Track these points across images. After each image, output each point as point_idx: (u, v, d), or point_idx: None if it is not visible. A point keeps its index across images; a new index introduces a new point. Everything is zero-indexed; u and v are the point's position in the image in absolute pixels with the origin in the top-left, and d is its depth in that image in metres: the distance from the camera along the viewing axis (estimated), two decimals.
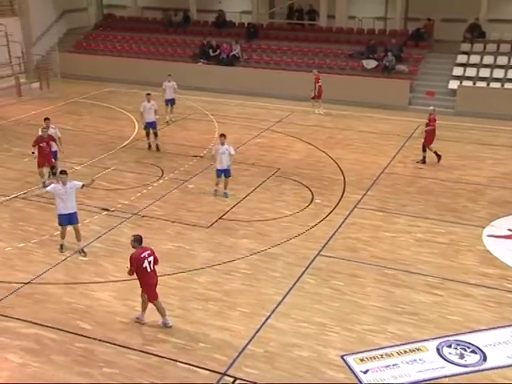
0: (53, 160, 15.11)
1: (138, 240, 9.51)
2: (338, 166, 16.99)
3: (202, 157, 17.48)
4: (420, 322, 9.86)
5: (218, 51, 26.23)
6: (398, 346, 9.20)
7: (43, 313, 10.04)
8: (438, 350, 9.10)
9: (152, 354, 9.05)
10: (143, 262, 9.36)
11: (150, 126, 17.81)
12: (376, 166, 16.91)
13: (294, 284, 10.98)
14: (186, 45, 27.56)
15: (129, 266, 9.39)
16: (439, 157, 17.10)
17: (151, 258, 9.45)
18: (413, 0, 26.41)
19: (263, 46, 26.58)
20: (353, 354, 9.03)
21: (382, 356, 8.94)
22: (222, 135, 14.62)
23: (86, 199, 14.40)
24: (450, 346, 9.17)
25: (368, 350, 9.10)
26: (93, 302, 10.38)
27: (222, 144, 14.49)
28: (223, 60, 25.93)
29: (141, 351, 9.11)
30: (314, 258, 11.93)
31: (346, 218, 13.67)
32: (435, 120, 17.04)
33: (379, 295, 10.62)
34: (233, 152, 14.67)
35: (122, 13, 30.67)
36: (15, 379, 8.52)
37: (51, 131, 15.16)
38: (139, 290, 10.64)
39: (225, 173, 14.68)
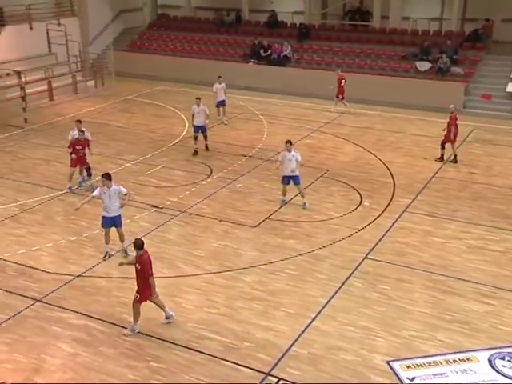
0: (87, 161, 15.26)
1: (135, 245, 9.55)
2: (388, 168, 16.73)
3: (250, 156, 17.54)
4: (471, 331, 9.60)
5: (269, 51, 26.27)
6: (446, 354, 8.98)
7: (93, 305, 10.31)
8: (489, 361, 8.81)
9: (197, 351, 9.15)
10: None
11: (198, 130, 17.89)
12: (427, 170, 16.57)
13: (340, 287, 10.88)
14: (238, 45, 27.73)
15: (141, 267, 9.39)
16: (455, 158, 17.12)
17: (138, 266, 9.52)
18: (471, 0, 25.74)
19: (314, 47, 26.46)
20: (399, 360, 8.88)
21: (429, 364, 8.75)
22: (289, 142, 14.04)
23: (135, 195, 14.66)
24: (503, 358, 8.86)
25: (415, 357, 8.92)
26: None
27: (289, 151, 13.96)
28: (274, 60, 25.94)
29: (186, 347, 9.22)
30: (362, 261, 11.79)
31: (394, 222, 13.45)
32: (456, 118, 16.98)
33: (427, 301, 10.40)
34: (299, 158, 14.01)
35: (175, 13, 31.14)
36: (68, 368, 8.78)
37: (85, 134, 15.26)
38: (185, 287, 10.85)
39: (293, 180, 14.11)
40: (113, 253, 12.01)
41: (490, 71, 23.10)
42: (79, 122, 15.65)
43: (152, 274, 9.47)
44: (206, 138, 18.05)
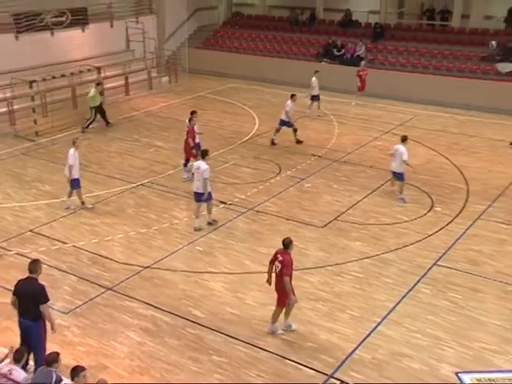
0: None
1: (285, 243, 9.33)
2: (462, 173, 16.15)
3: (319, 156, 17.40)
4: None
5: (343, 51, 25.95)
6: None
7: (160, 297, 10.53)
8: None
9: (260, 348, 9.16)
10: (273, 261, 9.34)
11: (283, 124, 18.26)
12: (505, 176, 15.86)
13: (408, 292, 10.60)
14: (311, 44, 27.56)
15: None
16: None
17: (278, 265, 9.19)
18: None
19: (389, 47, 25.89)
20: (469, 372, 8.54)
21: (502, 380, 8.35)
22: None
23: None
24: None
25: (487, 371, 8.55)
26: (206, 292, 10.70)
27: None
28: (347, 60, 25.61)
29: (249, 344, 9.25)
30: (431, 267, 11.44)
31: (467, 229, 12.96)
32: None
33: (502, 313, 9.95)
34: (405, 158, 14.13)
35: (249, 11, 31.34)
36: (135, 356, 9.02)
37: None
38: (250, 284, 10.89)
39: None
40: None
41: None
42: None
43: (286, 275, 9.11)
44: (294, 131, 18.47)
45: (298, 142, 18.48)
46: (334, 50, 26.11)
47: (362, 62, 23.33)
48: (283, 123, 18.29)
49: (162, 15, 28.04)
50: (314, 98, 21.20)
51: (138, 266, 11.55)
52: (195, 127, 15.76)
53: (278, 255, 9.23)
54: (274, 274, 9.32)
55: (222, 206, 14.11)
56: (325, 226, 13.18)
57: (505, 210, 13.85)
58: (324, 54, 26.35)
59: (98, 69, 23.29)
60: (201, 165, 12.82)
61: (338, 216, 13.62)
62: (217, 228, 13.07)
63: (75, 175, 13.73)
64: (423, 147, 18.22)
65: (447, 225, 13.18)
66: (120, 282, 10.95)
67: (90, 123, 19.80)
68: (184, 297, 10.54)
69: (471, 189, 15.13)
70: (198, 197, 12.90)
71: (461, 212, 13.81)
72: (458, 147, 18.32)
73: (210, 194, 12.96)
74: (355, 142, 18.65)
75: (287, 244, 9.27)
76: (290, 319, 9.56)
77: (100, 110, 20.08)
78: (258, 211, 13.88)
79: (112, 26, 25.70)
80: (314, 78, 21.11)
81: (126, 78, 24.64)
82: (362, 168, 16.53)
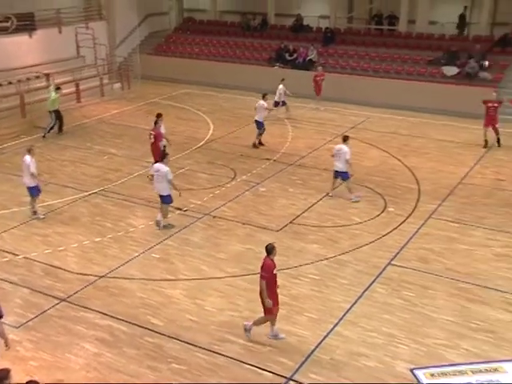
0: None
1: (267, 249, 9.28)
2: (413, 174, 16.57)
3: (274, 160, 17.53)
4: (497, 340, 9.42)
5: (295, 55, 26.25)
6: (472, 363, 8.82)
7: (117, 306, 10.38)
8: None
9: (219, 354, 9.15)
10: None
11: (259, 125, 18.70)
12: (453, 176, 16.35)
13: (363, 292, 10.79)
14: (263, 48, 27.77)
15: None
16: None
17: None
18: (502, 4, 25.36)
19: (340, 51, 26.36)
20: (423, 368, 8.76)
21: (454, 373, 8.60)
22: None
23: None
24: None
25: (439, 366, 8.79)
26: (164, 299, 10.62)
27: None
28: (299, 64, 25.92)
29: (208, 350, 9.23)
30: (385, 267, 11.68)
31: (419, 228, 13.30)
32: (493, 104, 18.58)
33: (453, 309, 10.25)
34: (348, 157, 14.57)
35: (201, 16, 31.32)
36: (91, 367, 8.86)
37: None
38: (208, 290, 10.87)
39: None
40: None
41: None
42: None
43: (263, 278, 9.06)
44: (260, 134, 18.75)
45: (255, 145, 18.60)
46: (286, 55, 26.38)
47: (319, 68, 23.53)
48: (259, 124, 18.70)
49: (112, 21, 27.73)
50: (277, 104, 21.46)
51: (93, 275, 11.36)
52: (161, 129, 15.89)
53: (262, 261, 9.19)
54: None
55: (178, 212, 14.03)
56: (281, 229, 13.29)
57: (454, 209, 14.28)
58: (276, 59, 26.59)
59: (47, 75, 22.81)
60: (160, 167, 12.93)
61: (294, 219, 13.76)
62: (173, 234, 13.00)
63: (33, 183, 13.49)
64: (376, 149, 18.61)
65: (400, 225, 13.48)
66: (74, 293, 10.74)
67: (51, 128, 19.44)
68: (142, 305, 10.43)
69: (422, 189, 15.54)
70: (165, 199, 13.12)
71: (413, 212, 14.16)
72: (409, 148, 18.79)
73: (169, 197, 13.01)
74: (309, 145, 18.88)
75: (269, 250, 9.19)
76: (274, 328, 9.48)
77: (58, 115, 19.70)
78: (214, 216, 13.87)
79: (60, 32, 25.26)
80: (280, 86, 21.47)
81: (77, 85, 24.24)
82: (316, 171, 16.75)
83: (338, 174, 14.86)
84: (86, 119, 21.91)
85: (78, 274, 11.41)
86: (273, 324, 9.48)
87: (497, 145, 18.78)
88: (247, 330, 9.50)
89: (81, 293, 10.78)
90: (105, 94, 25.43)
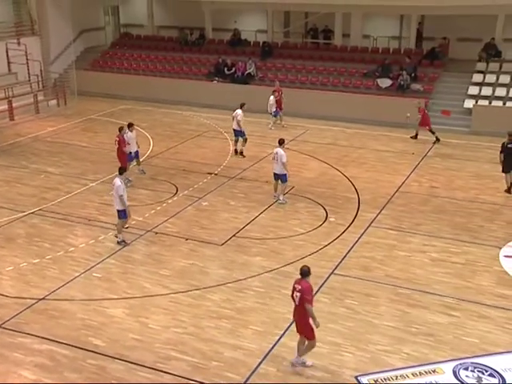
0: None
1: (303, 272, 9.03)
2: (353, 184, 16.94)
3: (216, 174, 17.53)
4: (436, 343, 9.72)
5: (233, 69, 26.43)
6: (413, 367, 9.07)
7: (57, 329, 10.06)
8: (454, 372, 8.94)
9: (165, 372, 9.01)
10: (292, 293, 9.01)
11: (237, 135, 19.11)
12: (391, 185, 16.84)
13: None
14: (201, 63, 27.81)
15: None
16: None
17: (297, 294, 8.86)
18: (428, 19, 26.50)
19: (278, 65, 26.74)
20: (367, 374, 8.92)
21: (396, 377, 8.81)
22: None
23: (100, 215, 14.51)
24: (466, 369, 9.00)
25: (382, 371, 8.98)
26: (106, 319, 10.38)
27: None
28: (238, 78, 26.11)
29: (154, 369, 9.07)
30: (328, 276, 11.85)
31: (360, 237, 13.59)
32: (424, 110, 20.72)
33: (394, 315, 10.51)
34: (284, 160, 15.14)
35: (138, 32, 31.07)
36: None
37: None
38: (152, 307, 10.70)
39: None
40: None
41: (447, 88, 23.72)
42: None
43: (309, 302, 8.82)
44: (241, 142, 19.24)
45: (241, 153, 19.05)
46: (225, 69, 26.52)
47: (277, 82, 23.16)
48: (237, 133, 18.95)
49: (45, 36, 27.12)
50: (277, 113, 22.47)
51: (31, 298, 10.97)
52: (128, 135, 16.40)
53: (296, 285, 8.93)
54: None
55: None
56: (224, 243, 13.27)
57: (392, 217, 14.68)
58: (215, 73, 26.68)
59: None
60: (116, 181, 12.82)
61: (237, 232, 13.77)
62: (115, 252, 12.75)
63: None
64: (316, 160, 18.93)
65: (341, 234, 13.74)
66: (10, 318, 10.33)
67: None
68: (83, 326, 10.16)
69: (362, 198, 15.90)
70: (119, 214, 12.96)
71: (353, 221, 14.46)
72: (348, 159, 19.22)
73: (124, 212, 12.84)
74: (250, 158, 19.01)
75: (306, 272, 8.94)
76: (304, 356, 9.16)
77: None
78: (156, 233, 13.71)
79: None
80: (271, 97, 22.14)
81: (10, 102, 23.48)
82: (258, 184, 16.88)
83: (278, 177, 15.38)
84: (20, 137, 21.25)
85: (14, 297, 10.99)
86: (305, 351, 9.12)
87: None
88: (299, 363, 9.10)
89: (18, 317, 10.38)
90: (40, 111, 24.77)
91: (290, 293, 9.08)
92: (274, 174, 15.47)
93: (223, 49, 28.17)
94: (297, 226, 14.14)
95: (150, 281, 11.64)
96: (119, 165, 17.90)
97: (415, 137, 21.14)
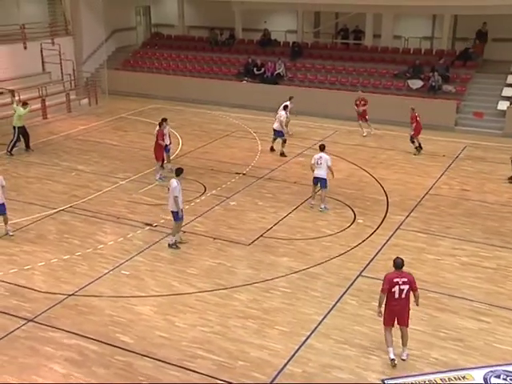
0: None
1: (396, 264, 9.11)
2: (382, 186, 16.79)
3: (244, 174, 17.56)
4: (465, 348, 9.56)
5: (263, 69, 26.45)
6: (441, 372, 8.93)
7: (86, 324, 10.21)
8: (485, 379, 8.73)
9: (191, 370, 9.06)
10: (393, 286, 8.98)
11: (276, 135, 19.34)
12: (420, 187, 16.63)
13: (335, 304, 10.84)
14: (231, 63, 27.92)
15: None
16: (420, 148, 19.61)
17: (405, 287, 8.94)
18: (461, 20, 26.09)
19: (307, 65, 26.68)
20: (394, 378, 8.82)
21: (424, 382, 8.69)
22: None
23: (129, 213, 14.67)
24: (498, 377, 8.78)
25: (409, 375, 8.87)
26: (134, 316, 10.49)
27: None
28: (267, 78, 26.12)
29: (180, 367, 9.13)
30: (356, 278, 11.77)
31: (388, 240, 13.46)
32: (416, 117, 19.38)
33: (421, 319, 10.37)
34: (329, 163, 15.07)
35: (169, 32, 31.37)
36: None
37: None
38: (179, 306, 10.78)
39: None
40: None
41: (481, 89, 23.34)
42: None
43: (382, 291, 9.04)
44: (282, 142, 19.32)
45: (282, 154, 19.12)
46: (254, 69, 26.56)
47: (360, 92, 22.61)
48: (277, 133, 19.16)
49: (79, 36, 27.59)
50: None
51: (62, 294, 11.15)
52: (165, 130, 17.06)
53: (397, 279, 8.95)
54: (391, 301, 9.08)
55: (148, 228, 13.92)
56: (252, 243, 13.28)
57: (421, 220, 14.49)
58: (244, 73, 26.75)
59: (12, 92, 22.48)
60: (172, 182, 12.90)
61: (265, 232, 13.77)
62: (143, 251, 12.87)
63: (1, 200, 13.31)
64: (344, 161, 18.81)
65: (369, 236, 13.62)
66: (42, 312, 10.52)
67: (13, 145, 19.12)
68: (111, 323, 10.28)
69: (390, 200, 15.75)
70: (173, 215, 12.94)
71: (382, 223, 14.33)
72: (377, 160, 19.06)
73: (177, 213, 12.80)
74: (278, 158, 18.99)
75: (402, 264, 9.07)
76: None
77: (24, 131, 19.43)
78: (184, 232, 13.79)
79: (26, 48, 24.95)
80: (283, 112, 20.72)
81: (43, 101, 23.92)
82: (286, 184, 16.85)
83: (318, 181, 14.99)
84: (52, 135, 21.63)
85: (45, 292, 11.18)
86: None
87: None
88: (407, 354, 9.29)
89: (49, 312, 10.56)
90: (72, 110, 25.17)
91: (382, 288, 9.02)
92: (315, 178, 15.01)
93: (253, 49, 28.22)
94: (324, 227, 14.07)
95: (177, 279, 11.72)
96: (148, 163, 18.22)
97: (419, 147, 19.56)
